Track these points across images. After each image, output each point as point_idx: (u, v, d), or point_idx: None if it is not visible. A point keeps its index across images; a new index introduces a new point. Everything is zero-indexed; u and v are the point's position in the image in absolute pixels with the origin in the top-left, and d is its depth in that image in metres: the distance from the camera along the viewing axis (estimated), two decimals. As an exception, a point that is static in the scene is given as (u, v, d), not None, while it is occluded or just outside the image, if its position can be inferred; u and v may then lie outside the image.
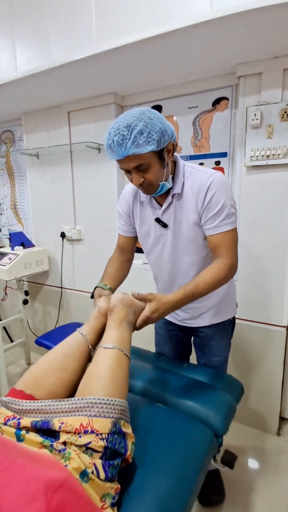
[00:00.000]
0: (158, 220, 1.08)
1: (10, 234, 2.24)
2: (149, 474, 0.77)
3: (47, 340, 1.99)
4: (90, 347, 0.91)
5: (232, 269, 0.99)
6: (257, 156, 1.47)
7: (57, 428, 0.68)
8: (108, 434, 0.68)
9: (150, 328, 1.19)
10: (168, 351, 1.38)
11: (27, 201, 2.46)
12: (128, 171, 0.95)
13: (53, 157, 2.16)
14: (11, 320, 2.36)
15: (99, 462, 0.65)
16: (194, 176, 1.01)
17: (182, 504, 0.74)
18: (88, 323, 0.96)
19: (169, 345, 1.38)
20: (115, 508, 0.66)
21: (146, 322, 0.91)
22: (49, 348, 1.95)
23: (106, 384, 0.77)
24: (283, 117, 1.40)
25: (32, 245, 2.34)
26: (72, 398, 0.76)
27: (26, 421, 0.70)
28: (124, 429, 0.72)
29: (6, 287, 2.55)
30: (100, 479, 0.64)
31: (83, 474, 0.62)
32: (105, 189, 2.00)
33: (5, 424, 0.70)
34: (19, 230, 2.54)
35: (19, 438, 0.67)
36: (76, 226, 2.17)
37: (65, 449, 0.65)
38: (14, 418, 0.71)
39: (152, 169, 0.93)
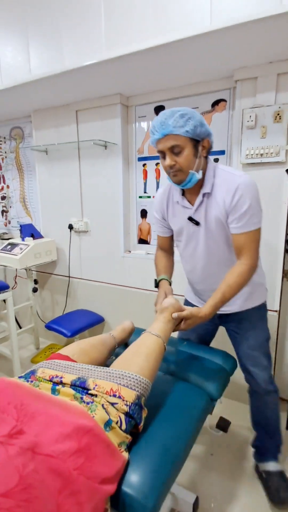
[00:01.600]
0: (190, 218, 1.16)
1: (20, 225, 2.38)
2: (156, 426, 0.91)
3: (57, 325, 2.14)
4: (116, 346, 1.26)
5: (252, 270, 1.09)
6: (252, 155, 1.60)
7: (91, 388, 0.83)
8: (131, 403, 0.82)
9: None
10: (193, 339, 1.46)
11: (36, 194, 2.59)
12: (163, 155, 1.05)
13: (62, 153, 2.29)
14: (21, 307, 2.50)
15: (123, 416, 0.80)
16: (223, 177, 1.09)
17: (182, 450, 0.89)
18: (116, 331, 1.31)
19: (195, 332, 1.44)
20: (128, 452, 0.80)
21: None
22: (58, 331, 2.10)
23: (143, 363, 0.93)
24: (276, 119, 1.52)
25: (41, 236, 2.48)
26: (109, 368, 0.93)
27: (67, 379, 0.86)
28: (143, 404, 0.87)
29: (16, 276, 2.70)
30: (121, 429, 0.79)
31: (107, 424, 0.77)
32: (111, 184, 2.13)
33: (50, 380, 0.86)
34: (28, 222, 2.68)
35: (54, 392, 0.82)
36: (83, 219, 2.31)
37: (92, 401, 0.80)
38: (57, 376, 0.87)
39: (184, 154, 1.02)
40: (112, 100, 1.99)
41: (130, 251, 2.21)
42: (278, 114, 1.52)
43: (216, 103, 1.76)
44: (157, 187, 2.06)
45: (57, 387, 0.83)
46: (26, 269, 2.45)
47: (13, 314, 2.11)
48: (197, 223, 1.15)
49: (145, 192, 2.12)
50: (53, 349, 2.55)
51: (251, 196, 1.04)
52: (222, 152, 1.80)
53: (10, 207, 2.83)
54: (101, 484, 0.66)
